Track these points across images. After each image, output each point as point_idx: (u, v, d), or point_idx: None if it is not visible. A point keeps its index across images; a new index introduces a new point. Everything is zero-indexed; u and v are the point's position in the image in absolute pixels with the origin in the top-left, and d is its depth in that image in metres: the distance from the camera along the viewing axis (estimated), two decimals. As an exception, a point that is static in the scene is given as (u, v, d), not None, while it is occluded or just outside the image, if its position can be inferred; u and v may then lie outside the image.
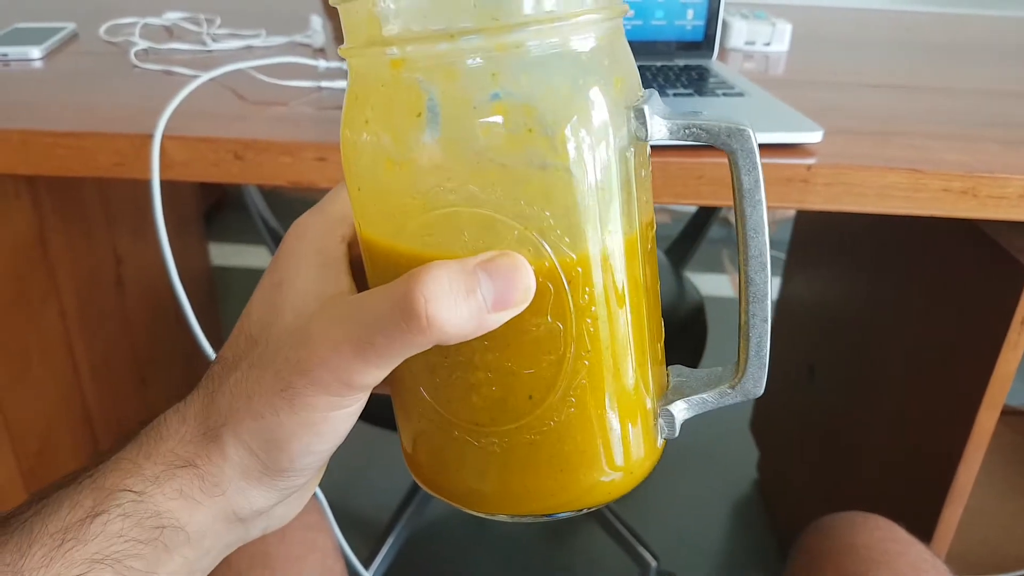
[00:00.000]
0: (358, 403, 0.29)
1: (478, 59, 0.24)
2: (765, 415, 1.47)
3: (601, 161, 0.26)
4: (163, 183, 0.66)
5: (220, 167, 0.65)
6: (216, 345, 0.63)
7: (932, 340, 0.89)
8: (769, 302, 0.31)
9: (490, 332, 0.26)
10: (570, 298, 0.27)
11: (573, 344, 0.27)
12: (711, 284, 2.10)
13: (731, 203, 0.30)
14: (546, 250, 0.26)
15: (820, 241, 1.24)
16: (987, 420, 0.78)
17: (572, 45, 0.25)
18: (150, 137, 0.64)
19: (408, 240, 0.27)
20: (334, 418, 0.28)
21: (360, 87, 0.28)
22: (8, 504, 0.88)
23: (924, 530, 0.85)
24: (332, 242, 0.31)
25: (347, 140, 0.28)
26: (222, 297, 1.63)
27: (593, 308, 0.27)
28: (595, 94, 0.26)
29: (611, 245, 0.27)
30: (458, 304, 0.25)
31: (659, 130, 0.27)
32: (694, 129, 0.28)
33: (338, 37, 0.99)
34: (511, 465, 0.30)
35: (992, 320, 0.75)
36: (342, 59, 0.86)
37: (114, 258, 1.09)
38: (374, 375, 0.27)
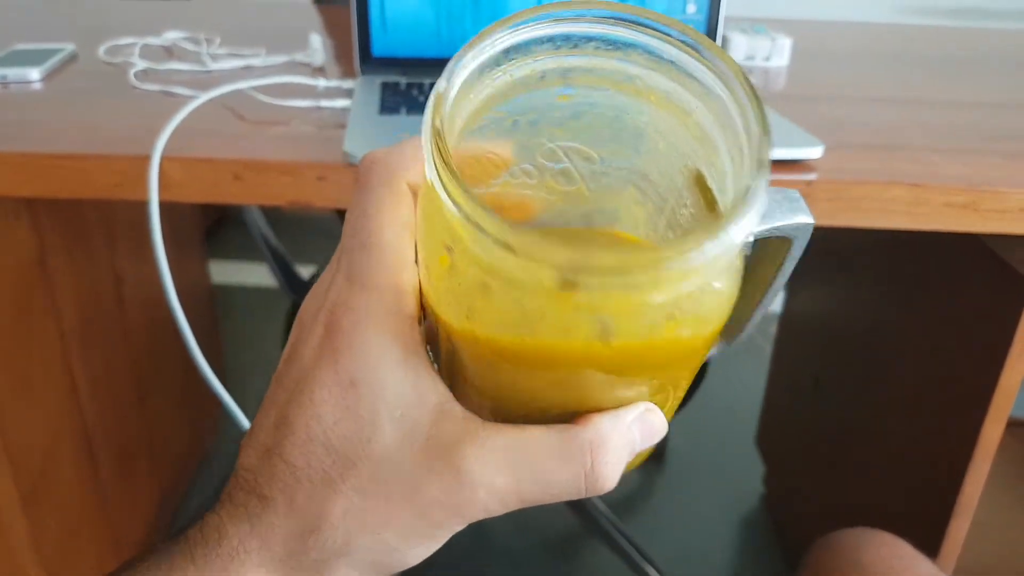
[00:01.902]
0: None
1: (662, 297, 0.24)
2: (771, 429, 1.46)
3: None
4: (163, 203, 0.65)
5: (219, 188, 0.65)
6: (215, 368, 0.63)
7: (937, 353, 0.88)
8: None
9: None
10: (670, 401, 0.30)
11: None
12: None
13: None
14: (671, 392, 0.29)
15: (824, 255, 1.23)
16: (992, 433, 0.78)
17: (735, 262, 0.26)
18: (148, 158, 0.64)
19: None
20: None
21: (503, 286, 0.24)
22: (5, 524, 0.88)
23: (931, 543, 0.85)
24: (405, 327, 0.27)
25: (484, 336, 0.25)
26: (223, 315, 1.63)
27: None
28: (739, 281, 0.26)
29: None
30: (622, 463, 0.27)
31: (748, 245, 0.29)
32: (771, 230, 0.29)
33: (339, 56, 0.99)
34: None
35: (996, 333, 0.74)
36: (342, 78, 0.87)
37: (114, 278, 1.09)
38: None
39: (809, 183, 0.65)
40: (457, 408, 0.27)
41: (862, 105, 0.88)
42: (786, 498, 1.40)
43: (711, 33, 0.90)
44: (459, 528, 0.27)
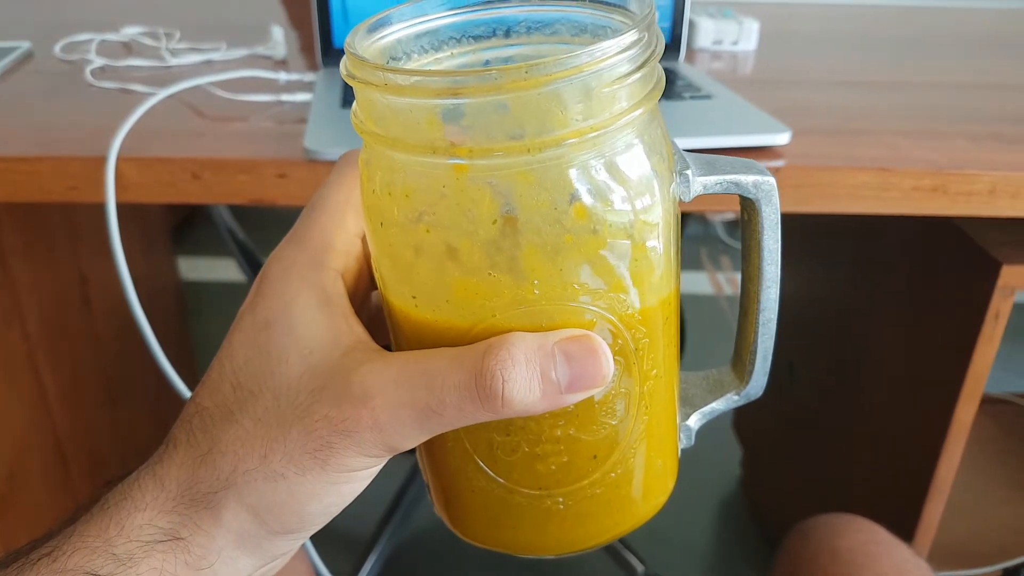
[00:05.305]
0: (386, 462, 0.27)
1: (558, 165, 0.24)
2: (747, 413, 1.46)
3: (663, 232, 0.27)
4: (125, 203, 0.64)
5: (177, 188, 0.64)
6: (185, 366, 0.61)
7: (909, 335, 0.89)
8: (775, 324, 0.33)
9: None
10: (638, 366, 0.28)
11: (637, 404, 0.28)
12: (689, 282, 2.10)
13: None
14: (620, 329, 0.26)
15: (796, 240, 1.23)
16: (965, 413, 0.78)
17: (639, 135, 0.25)
18: (104, 160, 0.62)
19: (480, 332, 0.26)
20: (361, 476, 0.27)
21: (404, 182, 0.25)
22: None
23: (907, 524, 0.85)
24: (327, 278, 0.28)
25: (393, 239, 0.26)
26: (194, 312, 1.61)
27: (654, 371, 0.28)
28: (658, 173, 0.26)
29: (670, 305, 0.28)
30: (533, 385, 0.24)
31: (697, 189, 0.29)
32: (726, 184, 0.29)
33: (303, 47, 0.97)
34: (573, 517, 0.30)
35: (967, 313, 0.75)
36: (304, 71, 0.85)
37: (79, 278, 1.07)
38: (421, 440, 0.26)
39: (777, 170, 0.64)
40: (372, 344, 0.27)
41: (829, 89, 0.87)
42: (763, 481, 1.40)
43: (677, 17, 0.89)
44: (353, 459, 0.26)
